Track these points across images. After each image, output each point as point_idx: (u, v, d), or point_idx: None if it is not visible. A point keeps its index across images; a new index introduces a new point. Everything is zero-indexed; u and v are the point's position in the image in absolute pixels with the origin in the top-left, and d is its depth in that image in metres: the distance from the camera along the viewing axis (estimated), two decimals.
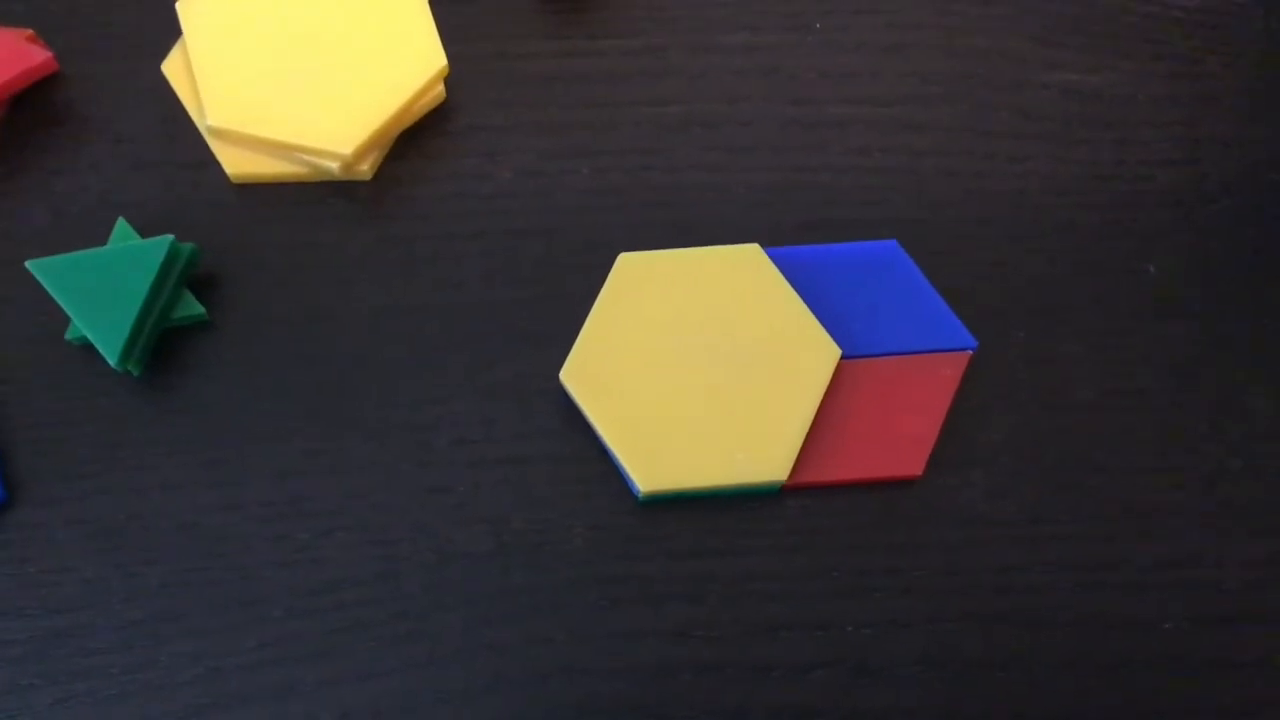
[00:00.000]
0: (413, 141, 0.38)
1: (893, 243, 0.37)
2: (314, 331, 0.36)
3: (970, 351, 0.36)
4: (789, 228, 0.38)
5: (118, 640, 0.33)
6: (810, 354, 0.35)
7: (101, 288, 0.34)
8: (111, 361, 0.33)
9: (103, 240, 0.35)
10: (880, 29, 0.40)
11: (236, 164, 0.37)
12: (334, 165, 0.36)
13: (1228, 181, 0.39)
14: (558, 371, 0.35)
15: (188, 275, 0.36)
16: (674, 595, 0.34)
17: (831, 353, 0.35)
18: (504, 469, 0.35)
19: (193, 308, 0.35)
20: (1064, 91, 0.40)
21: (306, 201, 0.38)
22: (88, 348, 0.35)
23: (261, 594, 0.34)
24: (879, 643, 0.34)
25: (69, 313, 0.34)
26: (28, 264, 0.34)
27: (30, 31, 0.38)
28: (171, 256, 0.34)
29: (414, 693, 0.33)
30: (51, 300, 0.34)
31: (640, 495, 0.34)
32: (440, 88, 0.38)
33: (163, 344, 0.36)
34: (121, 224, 0.35)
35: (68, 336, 0.35)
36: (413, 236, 0.37)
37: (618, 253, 0.36)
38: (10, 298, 0.36)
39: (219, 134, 0.36)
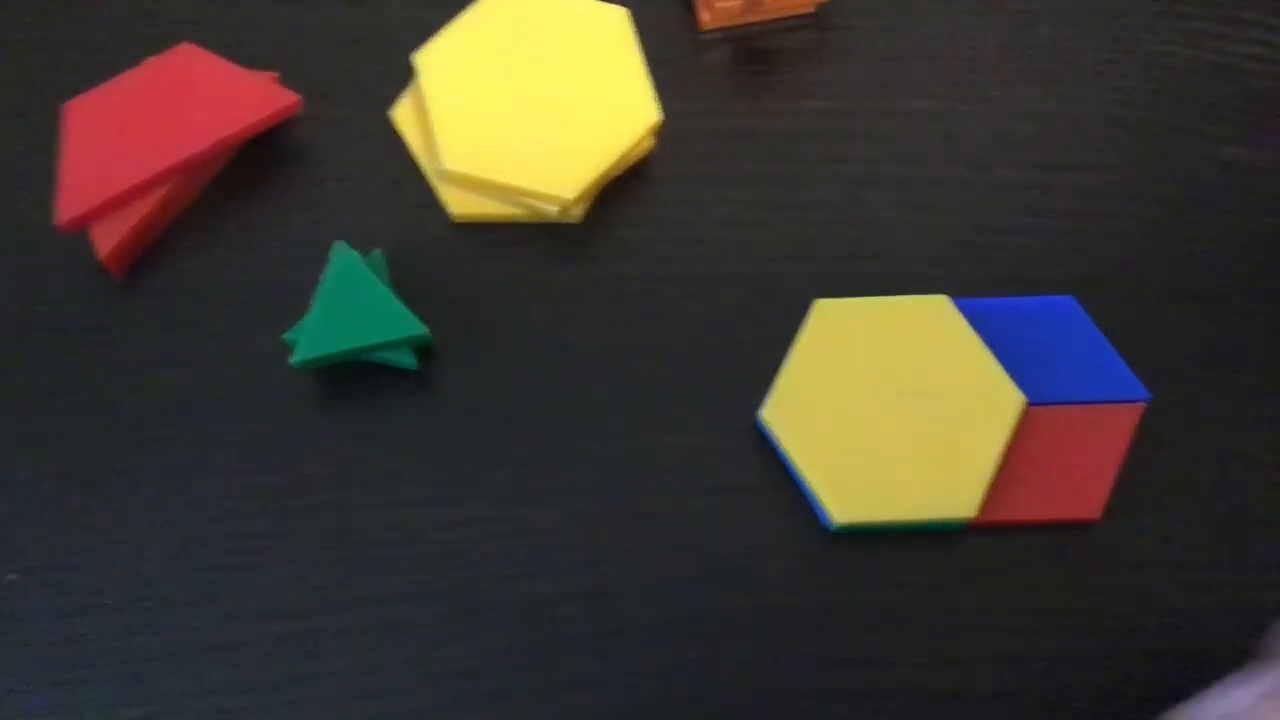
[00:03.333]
0: (621, 188, 0.41)
1: (1070, 299, 0.39)
2: (529, 362, 0.39)
3: (1143, 404, 0.38)
4: (973, 281, 0.40)
5: (340, 647, 0.35)
6: (996, 399, 0.37)
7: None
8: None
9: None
10: (1046, 99, 0.43)
11: (460, 205, 0.40)
12: (553, 209, 0.39)
13: None
14: (754, 409, 0.38)
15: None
16: (863, 625, 0.36)
17: (1017, 398, 0.37)
18: (704, 499, 0.37)
19: (403, 358, 0.38)
20: (1225, 164, 0.42)
21: (521, 241, 0.40)
22: (313, 373, 0.38)
23: (485, 604, 0.36)
24: (1055, 675, 0.36)
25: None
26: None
27: (276, 74, 0.41)
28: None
29: (632, 704, 0.35)
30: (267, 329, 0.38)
31: (833, 527, 0.37)
32: (652, 139, 0.40)
33: (385, 370, 0.38)
34: (340, 247, 0.38)
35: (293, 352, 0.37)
36: (619, 277, 0.40)
37: (806, 300, 0.38)
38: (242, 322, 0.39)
39: (449, 176, 0.39)
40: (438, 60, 0.40)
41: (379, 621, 0.36)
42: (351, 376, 0.38)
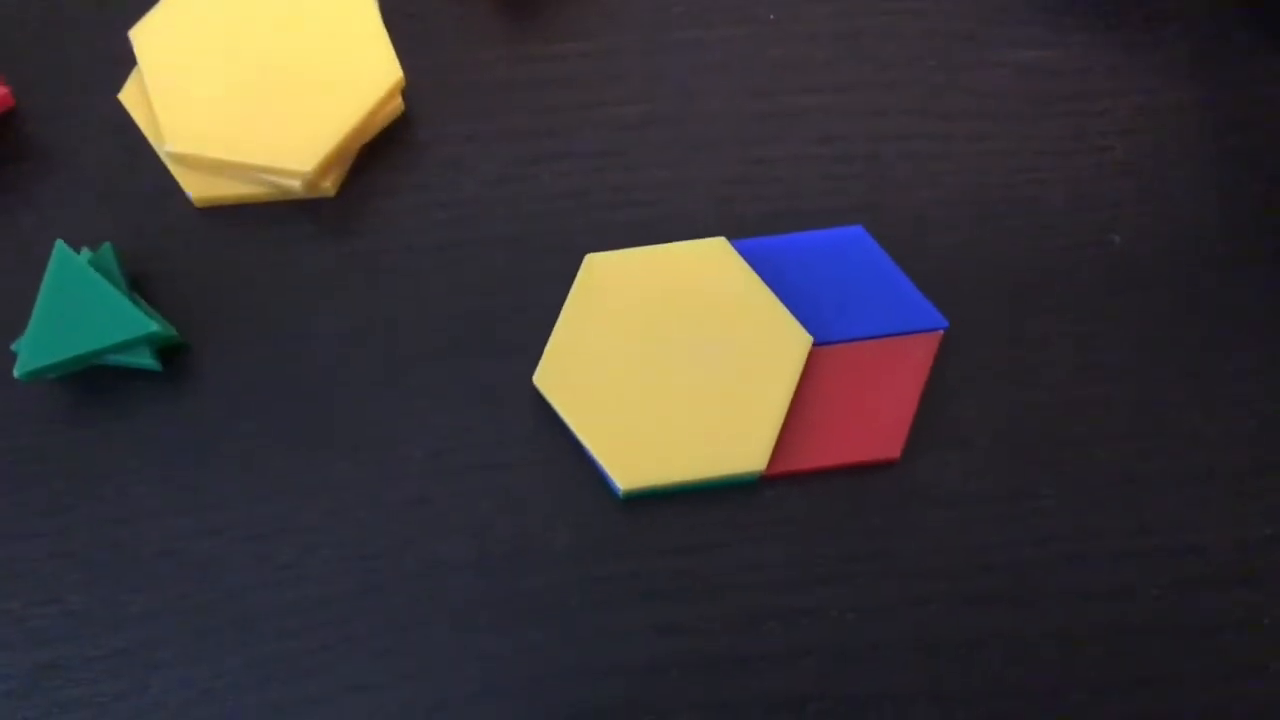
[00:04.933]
0: (374, 156, 0.38)
1: (858, 229, 0.37)
2: (287, 351, 0.36)
3: (941, 332, 0.36)
4: (753, 220, 0.38)
5: (106, 670, 0.33)
6: (781, 343, 0.35)
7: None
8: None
9: None
10: (831, 17, 0.40)
11: (200, 188, 0.37)
12: (296, 183, 0.36)
13: (1188, 147, 0.39)
14: (530, 376, 0.35)
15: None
16: (659, 591, 0.34)
17: (803, 340, 0.35)
18: (482, 477, 0.35)
19: (143, 358, 0.35)
20: (1019, 69, 0.40)
21: (272, 221, 0.38)
22: (54, 383, 0.36)
23: (247, 615, 0.34)
24: (863, 627, 0.34)
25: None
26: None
27: None
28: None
29: (405, 706, 0.33)
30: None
31: (620, 493, 0.35)
32: (399, 100, 0.38)
33: (135, 372, 0.36)
34: (60, 246, 0.35)
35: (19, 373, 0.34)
36: (380, 250, 0.37)
37: (581, 257, 0.36)
38: None
39: (180, 159, 0.36)
40: (156, 34, 0.37)
41: (139, 642, 0.34)
42: (95, 384, 0.36)
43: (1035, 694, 0.34)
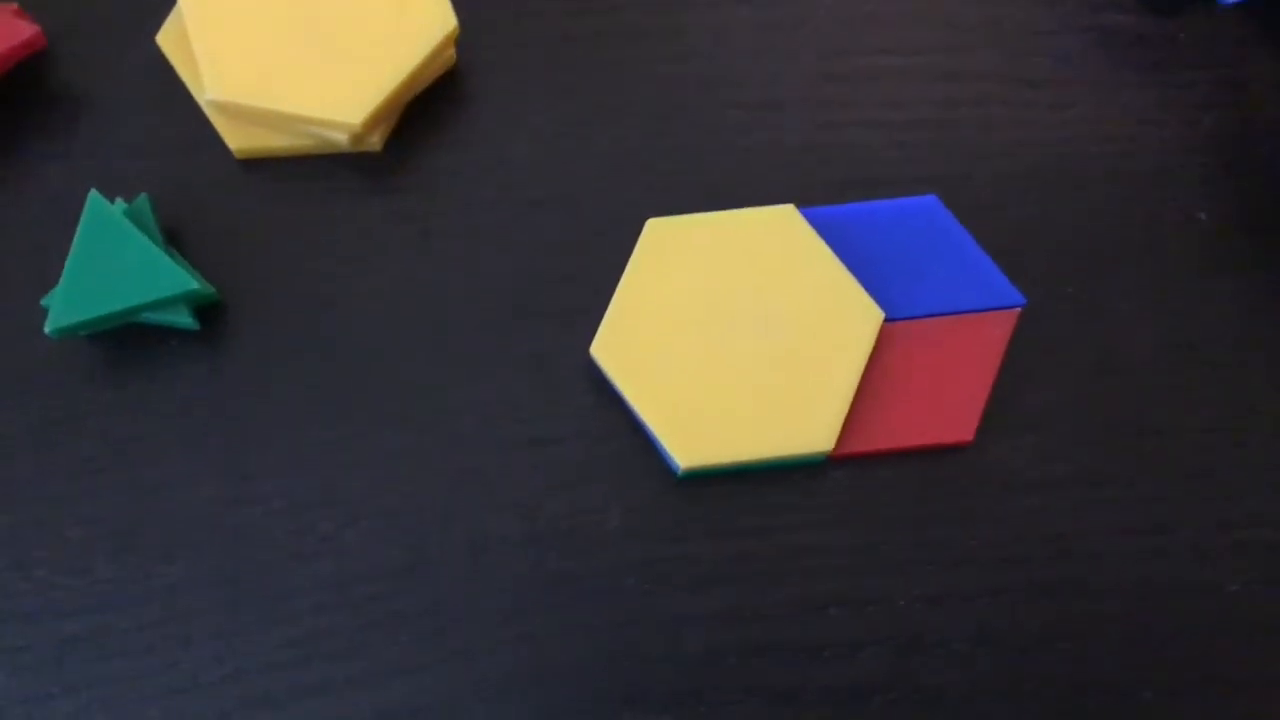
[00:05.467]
0: (423, 110, 0.36)
1: (932, 198, 0.35)
2: (329, 313, 0.34)
3: (1018, 309, 0.34)
4: (821, 187, 0.36)
5: (136, 643, 0.32)
6: (852, 318, 0.33)
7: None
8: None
9: None
10: None
11: (240, 139, 0.35)
12: (343, 137, 0.34)
13: (1275, 121, 0.37)
14: (586, 347, 0.33)
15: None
16: (717, 575, 0.33)
17: (874, 316, 0.33)
18: (533, 451, 0.33)
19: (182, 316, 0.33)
20: (1103, 34, 0.38)
21: (315, 176, 0.36)
22: (85, 341, 0.34)
23: (286, 590, 0.32)
24: (932, 617, 0.32)
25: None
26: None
27: (14, 5, 0.36)
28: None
29: (451, 688, 0.31)
30: (27, 297, 0.33)
31: (679, 472, 0.33)
32: (451, 51, 0.36)
33: (169, 331, 0.34)
34: (94, 196, 0.33)
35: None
36: (428, 210, 0.35)
37: (643, 220, 0.34)
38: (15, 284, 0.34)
39: (220, 108, 0.34)
40: None
41: (172, 614, 0.32)
42: (128, 342, 0.34)
43: (1109, 690, 0.32)
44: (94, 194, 0.33)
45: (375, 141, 0.35)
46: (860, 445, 0.33)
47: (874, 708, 0.32)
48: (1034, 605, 0.33)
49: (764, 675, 0.32)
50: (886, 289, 0.34)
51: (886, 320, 0.34)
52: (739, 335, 0.33)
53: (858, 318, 0.33)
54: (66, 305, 0.32)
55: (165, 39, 0.36)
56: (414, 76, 0.35)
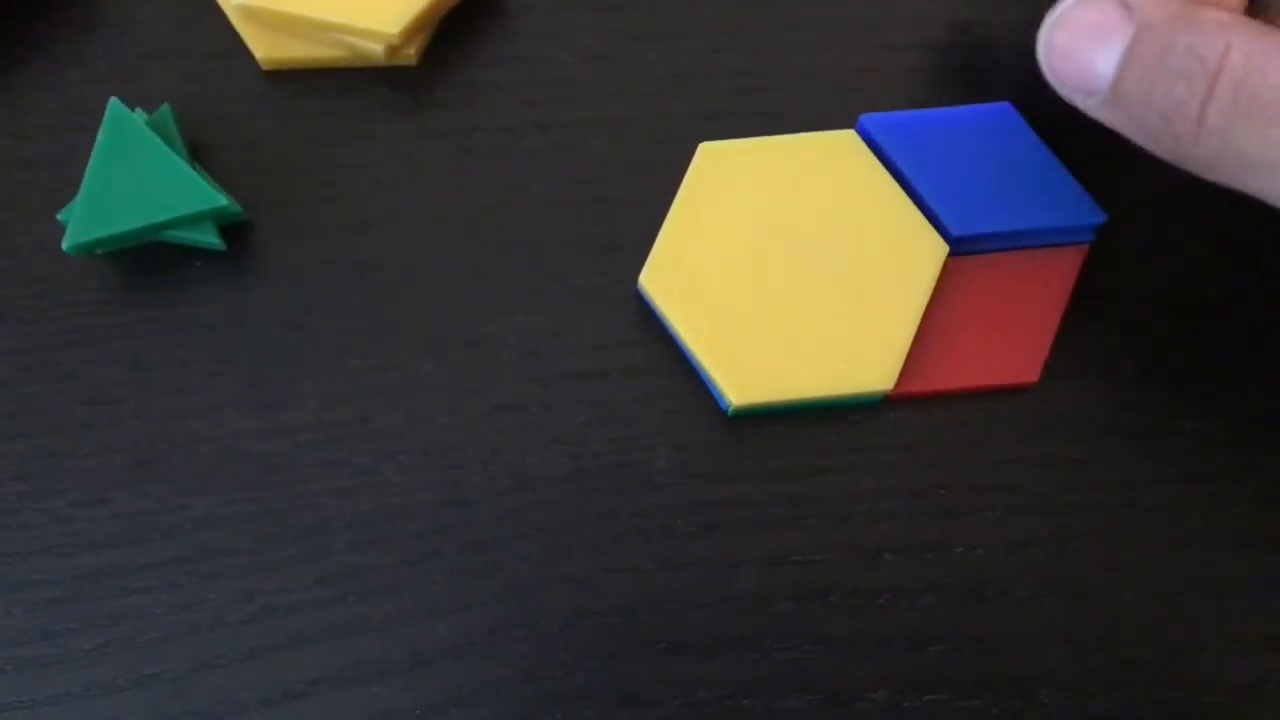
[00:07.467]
0: (461, 23, 0.34)
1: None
2: (362, 236, 0.33)
3: (1087, 246, 0.33)
4: (884, 111, 0.34)
5: (159, 579, 0.30)
6: (915, 251, 0.32)
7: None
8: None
9: None
10: None
11: (268, 48, 0.33)
12: (378, 48, 0.32)
13: None
14: (634, 276, 0.32)
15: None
16: (769, 518, 0.31)
17: (938, 249, 0.32)
18: (579, 385, 0.32)
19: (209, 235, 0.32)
20: None
21: (347, 90, 0.34)
22: (103, 259, 0.32)
23: (317, 526, 0.30)
24: (993, 565, 0.31)
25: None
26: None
27: None
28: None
29: (490, 631, 0.30)
30: (43, 212, 0.31)
31: (730, 409, 0.31)
32: None
33: (191, 250, 0.32)
34: (114, 104, 0.31)
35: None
36: (467, 128, 0.34)
37: (694, 144, 0.32)
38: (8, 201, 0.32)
39: (247, 13, 0.32)
40: None
41: (195, 551, 0.30)
42: (148, 261, 0.32)
43: (1173, 644, 0.31)
44: (114, 102, 0.31)
45: (411, 54, 0.33)
46: (920, 385, 0.32)
47: (930, 656, 0.30)
48: (1099, 554, 0.31)
49: (816, 622, 0.30)
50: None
51: (954, 241, 0.32)
52: (795, 267, 0.32)
53: (921, 251, 0.32)
54: (85, 220, 0.30)
55: None
56: None
